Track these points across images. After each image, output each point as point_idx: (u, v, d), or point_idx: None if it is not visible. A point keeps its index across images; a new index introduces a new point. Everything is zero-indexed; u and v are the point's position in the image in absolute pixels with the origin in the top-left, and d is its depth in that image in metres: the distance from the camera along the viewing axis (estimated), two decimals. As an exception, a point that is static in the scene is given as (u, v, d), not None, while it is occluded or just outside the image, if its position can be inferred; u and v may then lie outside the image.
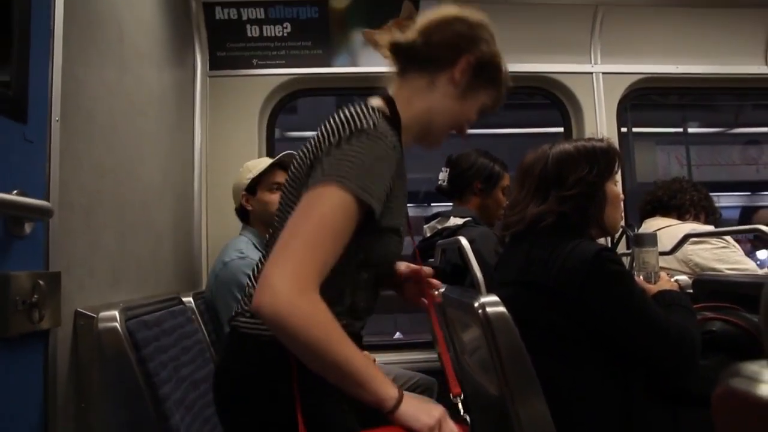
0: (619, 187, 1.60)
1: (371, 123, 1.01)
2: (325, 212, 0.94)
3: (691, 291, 1.96)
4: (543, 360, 1.33)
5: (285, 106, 2.87)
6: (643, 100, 3.40)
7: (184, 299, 1.90)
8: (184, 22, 2.52)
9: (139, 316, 1.41)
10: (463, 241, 1.56)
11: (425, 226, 2.39)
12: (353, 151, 0.97)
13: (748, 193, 8.34)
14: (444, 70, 1.15)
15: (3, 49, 1.12)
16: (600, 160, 1.49)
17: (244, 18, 2.68)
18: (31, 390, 1.19)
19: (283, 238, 0.94)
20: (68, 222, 1.33)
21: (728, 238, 2.41)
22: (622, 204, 1.58)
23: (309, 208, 0.95)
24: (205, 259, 2.57)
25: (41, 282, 1.14)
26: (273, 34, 2.71)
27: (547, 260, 1.39)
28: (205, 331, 1.92)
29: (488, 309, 1.33)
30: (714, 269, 2.31)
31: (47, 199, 1.21)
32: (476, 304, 1.35)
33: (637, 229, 2.58)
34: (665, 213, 2.64)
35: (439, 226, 2.27)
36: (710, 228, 2.53)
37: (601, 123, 2.83)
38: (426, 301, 1.32)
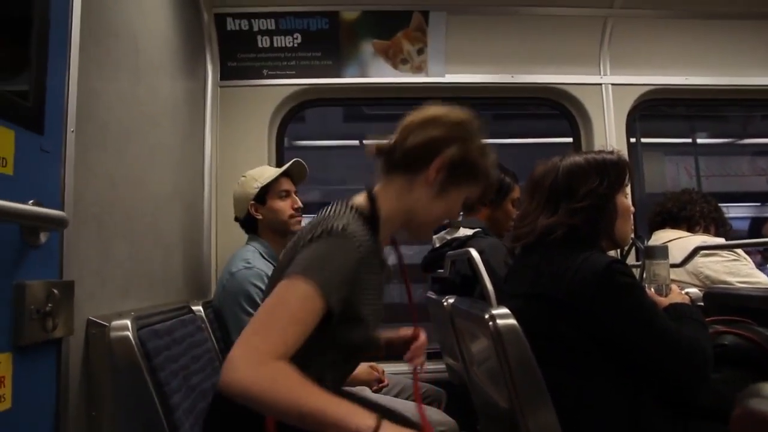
0: (629, 200, 1.59)
1: (341, 224, 1.13)
2: (287, 300, 1.06)
3: (702, 304, 1.95)
4: (553, 372, 1.33)
5: (295, 116, 2.89)
6: (651, 110, 3.39)
7: (193, 308, 1.91)
8: (196, 33, 2.55)
9: (150, 325, 1.41)
10: (473, 252, 1.56)
11: (435, 237, 2.39)
12: (320, 249, 1.10)
13: (758, 204, 8.28)
14: (420, 171, 1.24)
15: (21, 60, 1.14)
16: (610, 172, 1.49)
17: (255, 29, 2.71)
18: (44, 398, 1.19)
19: (250, 322, 1.05)
20: (82, 232, 1.35)
21: (739, 250, 2.39)
22: (632, 216, 1.57)
23: (274, 298, 1.07)
24: (214, 268, 2.59)
25: (55, 291, 1.15)
26: (283, 45, 2.73)
27: (557, 272, 1.39)
28: (214, 339, 1.93)
29: (498, 321, 1.33)
30: (725, 282, 2.30)
31: (62, 209, 1.22)
32: (486, 316, 1.35)
33: (647, 241, 2.58)
34: (675, 225, 2.63)
35: (449, 237, 2.27)
36: (721, 240, 2.51)
37: (610, 134, 2.84)
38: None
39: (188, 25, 2.38)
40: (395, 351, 1.55)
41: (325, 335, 1.13)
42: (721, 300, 1.92)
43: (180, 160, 2.21)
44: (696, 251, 1.98)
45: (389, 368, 2.45)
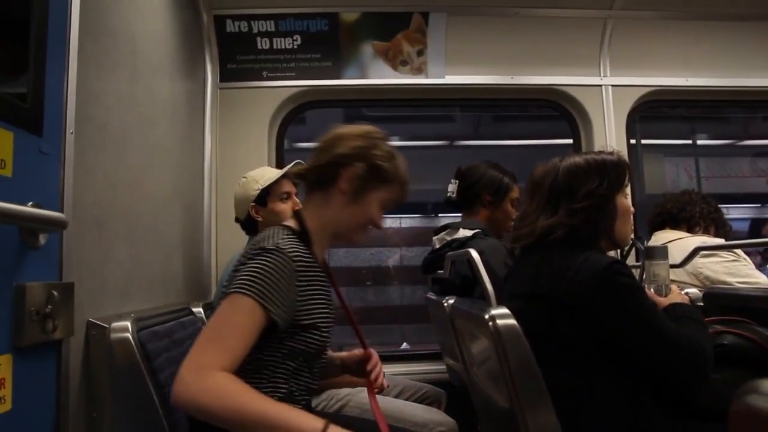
0: (629, 200, 1.59)
1: (274, 242, 1.25)
2: (228, 316, 1.16)
3: (702, 304, 1.95)
4: (553, 372, 1.33)
5: (294, 118, 2.89)
6: (652, 112, 3.39)
7: (194, 309, 1.91)
8: (195, 34, 2.55)
9: (150, 327, 1.42)
10: (473, 252, 1.56)
11: (434, 238, 2.39)
12: (256, 266, 1.20)
13: (758, 205, 8.29)
14: (333, 185, 1.38)
15: (20, 61, 1.14)
16: (610, 173, 1.49)
17: (255, 30, 2.71)
18: (44, 399, 1.19)
19: (197, 339, 1.14)
20: (81, 233, 1.35)
21: (739, 251, 2.39)
22: (632, 217, 1.57)
23: (218, 314, 1.17)
24: (214, 270, 2.59)
25: (55, 293, 1.15)
26: (283, 47, 2.74)
27: (557, 273, 1.39)
28: (214, 341, 1.92)
29: (498, 321, 1.33)
30: (724, 282, 2.30)
31: (61, 210, 1.22)
32: (486, 317, 1.35)
33: (647, 242, 2.58)
34: (675, 225, 2.63)
35: (448, 238, 2.27)
36: (721, 241, 2.51)
37: (610, 135, 2.84)
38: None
39: (187, 26, 2.39)
40: (350, 371, 1.62)
41: (281, 347, 1.25)
42: (720, 300, 1.91)
43: (179, 161, 2.21)
44: (696, 252, 1.97)
45: (388, 369, 2.45)
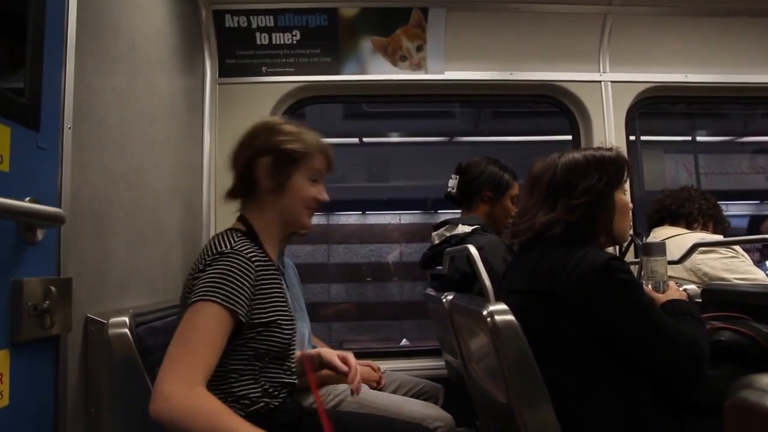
0: (627, 196, 1.59)
1: (227, 245, 1.29)
2: (198, 324, 1.18)
3: (700, 300, 1.95)
4: (551, 368, 1.33)
5: (294, 114, 2.89)
6: (651, 108, 3.39)
7: (192, 305, 1.90)
8: (194, 29, 2.55)
9: (148, 323, 1.42)
10: (472, 248, 1.56)
11: (433, 234, 2.39)
12: (215, 271, 1.23)
13: (757, 202, 8.29)
14: (257, 188, 1.42)
15: (17, 56, 1.13)
16: (609, 168, 1.49)
17: (254, 26, 2.70)
18: (42, 395, 1.19)
19: (169, 352, 1.16)
20: (79, 229, 1.35)
21: (737, 247, 2.40)
22: (630, 213, 1.57)
23: (186, 324, 1.19)
24: (213, 266, 2.58)
25: (53, 288, 1.15)
26: (282, 42, 2.72)
27: (555, 269, 1.39)
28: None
29: (497, 317, 1.33)
30: (723, 279, 2.30)
31: (59, 205, 1.22)
32: (485, 312, 1.35)
33: (645, 238, 2.58)
34: (673, 222, 2.63)
35: (448, 234, 2.27)
36: (719, 237, 2.51)
37: (609, 131, 2.83)
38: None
39: (186, 21, 2.38)
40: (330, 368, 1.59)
41: (245, 349, 1.28)
42: (718, 296, 1.92)
43: (178, 157, 2.20)
44: (694, 248, 1.98)
45: (387, 365, 2.46)
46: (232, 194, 1.48)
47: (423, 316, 2.79)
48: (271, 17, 2.69)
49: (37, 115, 1.16)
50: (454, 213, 2.46)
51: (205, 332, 1.17)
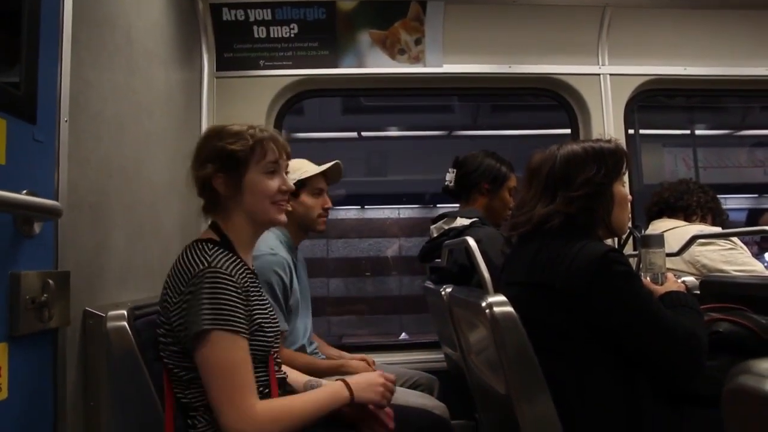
0: (626, 188, 1.59)
1: (204, 261, 1.26)
2: (219, 358, 1.21)
3: (698, 292, 1.95)
4: (549, 360, 1.33)
5: (292, 107, 2.88)
6: (650, 101, 3.38)
7: (191, 299, 1.90)
8: (191, 23, 2.54)
9: (147, 316, 1.41)
10: (471, 241, 1.56)
11: (432, 227, 2.39)
12: (203, 296, 1.22)
13: (755, 196, 8.30)
14: (217, 196, 1.40)
15: (12, 50, 1.13)
16: (608, 160, 1.49)
17: (251, 19, 2.69)
18: (41, 388, 1.20)
19: (214, 394, 1.21)
20: (77, 222, 1.34)
21: (735, 239, 2.40)
22: (629, 205, 1.57)
23: (209, 363, 1.21)
24: (211, 260, 2.58)
25: (50, 281, 1.15)
26: (280, 35, 2.71)
27: (554, 261, 1.39)
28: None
29: (495, 309, 1.33)
30: (721, 270, 2.30)
31: (56, 199, 1.22)
32: (483, 304, 1.35)
33: (644, 231, 2.58)
34: (672, 214, 2.64)
35: (446, 227, 2.27)
36: (718, 229, 2.52)
37: (608, 124, 2.83)
38: None
39: (183, 15, 2.37)
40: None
41: None
42: (717, 288, 1.92)
43: (176, 151, 2.20)
44: (693, 240, 1.98)
45: (381, 358, 2.47)
46: (204, 209, 1.47)
47: (422, 310, 2.80)
48: (269, 10, 2.68)
49: (34, 107, 1.15)
50: (454, 207, 2.46)
51: (230, 361, 1.21)
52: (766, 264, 3.01)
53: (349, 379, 1.39)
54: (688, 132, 7.58)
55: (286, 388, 1.48)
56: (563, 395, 1.33)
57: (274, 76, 2.74)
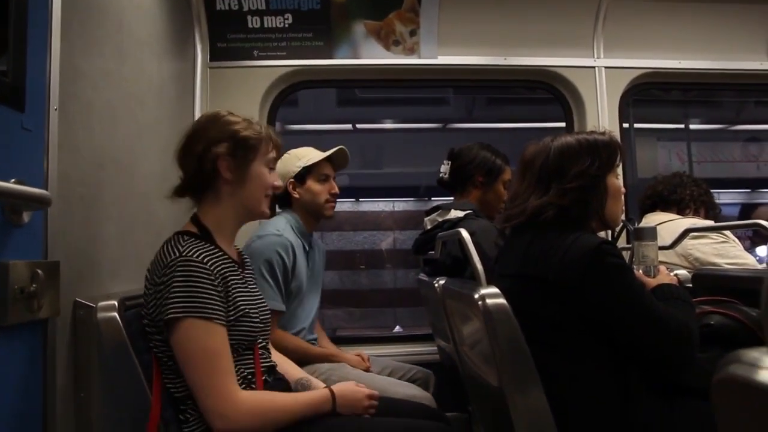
0: (620, 181, 1.59)
1: (178, 253, 1.27)
2: (197, 347, 1.22)
3: (690, 285, 1.96)
4: (542, 351, 1.33)
5: (286, 98, 2.86)
6: (644, 95, 3.38)
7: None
8: (184, 12, 2.51)
9: (137, 307, 1.40)
10: (464, 232, 1.56)
11: (426, 219, 2.38)
12: (176, 285, 1.23)
13: (749, 190, 8.34)
14: (215, 180, 1.40)
15: (0, 37, 1.11)
16: (602, 153, 1.49)
17: (245, 8, 2.66)
18: (31, 379, 1.19)
19: (193, 381, 1.23)
20: (67, 212, 1.33)
21: (728, 233, 2.41)
22: (623, 197, 1.57)
23: (187, 351, 1.23)
24: (204, 251, 2.57)
25: (40, 271, 1.14)
26: (274, 25, 2.69)
27: (547, 253, 1.38)
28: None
29: (488, 301, 1.33)
30: (713, 264, 2.31)
31: (45, 188, 1.20)
32: (476, 296, 1.35)
33: (638, 224, 2.58)
34: (665, 208, 2.64)
35: (440, 219, 2.27)
36: (710, 223, 2.53)
37: (603, 118, 2.82)
38: None
39: (176, 3, 2.34)
40: None
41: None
42: (709, 281, 1.93)
43: (169, 141, 2.16)
44: (686, 233, 1.98)
45: (380, 351, 2.47)
46: (181, 192, 1.45)
47: (417, 303, 2.80)
48: (263, 0, 2.66)
49: (22, 95, 1.14)
50: (448, 200, 2.45)
51: (207, 350, 1.22)
52: (758, 258, 3.03)
53: (337, 390, 1.42)
54: (682, 126, 7.60)
55: (276, 376, 1.48)
56: (555, 387, 1.33)
57: (268, 67, 2.72)
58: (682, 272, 2.02)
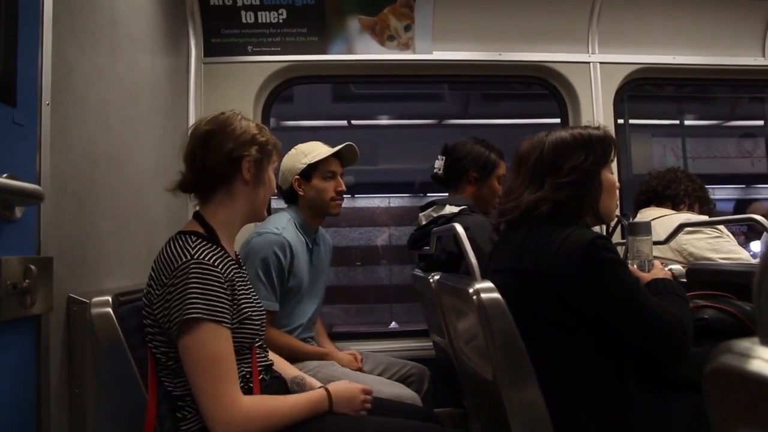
0: (614, 176, 1.59)
1: (187, 255, 1.26)
2: (205, 351, 1.22)
3: (685, 280, 1.97)
4: (536, 346, 1.33)
5: (280, 94, 2.85)
6: (639, 91, 3.39)
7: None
8: (178, 7, 2.50)
9: (131, 302, 1.40)
10: (458, 227, 1.56)
11: (420, 215, 2.38)
12: (185, 287, 1.22)
13: (743, 186, 8.36)
14: (234, 178, 1.41)
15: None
16: (596, 147, 1.49)
17: (239, 4, 2.65)
18: (24, 375, 1.18)
19: (197, 385, 1.22)
20: (61, 207, 1.32)
21: (722, 228, 2.42)
22: (617, 192, 1.57)
23: (193, 354, 1.22)
24: (199, 247, 2.56)
25: (32, 267, 1.13)
26: (268, 21, 2.68)
27: (541, 248, 1.38)
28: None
29: (483, 295, 1.33)
30: (707, 258, 2.32)
31: (38, 183, 1.20)
32: (471, 291, 1.35)
33: (632, 219, 2.59)
34: (660, 203, 2.65)
35: (435, 215, 2.27)
36: (704, 218, 2.53)
37: (597, 113, 2.83)
38: None
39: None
40: None
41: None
42: (703, 276, 1.93)
43: (163, 137, 2.17)
44: (680, 228, 1.99)
45: (371, 347, 2.47)
46: (190, 187, 1.43)
47: (413, 299, 2.80)
48: (257, -5, 2.65)
49: (13, 90, 1.13)
50: (444, 196, 2.45)
51: (214, 352, 1.22)
52: (751, 253, 3.04)
53: (332, 389, 1.43)
54: (677, 122, 7.61)
55: (272, 374, 1.48)
56: (550, 381, 1.33)
57: (263, 62, 2.71)
58: (677, 267, 2.03)
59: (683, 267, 2.08)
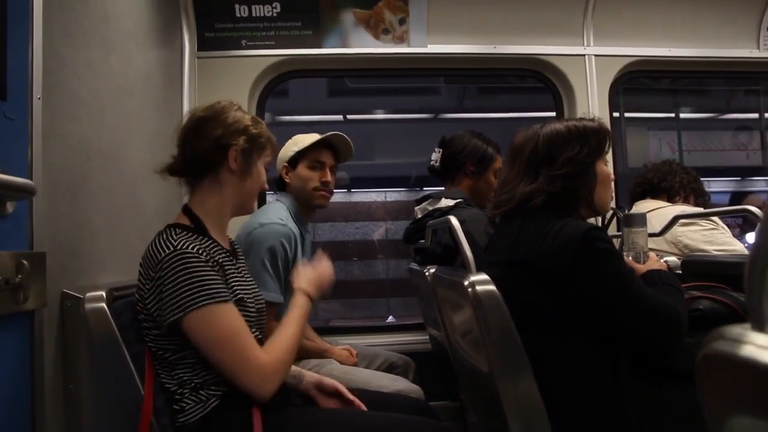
0: (609, 167, 1.59)
1: (171, 247, 1.27)
2: (218, 330, 1.25)
3: (680, 272, 1.97)
4: (532, 338, 1.33)
5: (275, 89, 2.84)
6: (635, 84, 3.38)
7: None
8: (171, 1, 2.48)
9: (126, 297, 1.40)
10: (454, 220, 1.56)
11: (416, 208, 2.38)
12: (175, 280, 1.24)
13: (738, 179, 8.39)
14: (220, 167, 1.41)
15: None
16: (591, 139, 1.49)
17: (233, -3, 2.63)
18: (18, 371, 1.18)
19: (222, 363, 1.26)
20: (53, 202, 1.31)
21: (717, 219, 2.42)
22: (612, 184, 1.57)
23: (211, 334, 1.25)
24: (193, 242, 2.55)
25: (25, 262, 1.12)
26: (262, 14, 2.67)
27: (536, 239, 1.39)
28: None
29: (478, 287, 1.33)
30: (703, 250, 2.33)
31: (30, 177, 1.19)
32: (466, 283, 1.35)
33: (628, 211, 2.59)
34: (655, 195, 2.65)
35: (430, 208, 2.26)
36: (700, 210, 2.54)
37: (593, 106, 2.82)
38: None
39: (162, -7, 2.31)
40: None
41: None
42: (698, 268, 1.94)
43: (156, 132, 2.16)
44: (675, 220, 1.99)
45: (366, 341, 2.47)
46: (178, 171, 1.44)
47: (410, 293, 2.80)
48: (251, -11, 2.63)
49: (3, 83, 1.12)
50: (440, 190, 2.45)
51: (228, 331, 1.25)
52: (746, 244, 3.05)
53: (303, 287, 1.50)
54: (672, 115, 7.62)
55: None
56: (546, 373, 1.33)
57: (257, 57, 2.69)
58: (672, 259, 2.03)
59: (678, 259, 2.08)
